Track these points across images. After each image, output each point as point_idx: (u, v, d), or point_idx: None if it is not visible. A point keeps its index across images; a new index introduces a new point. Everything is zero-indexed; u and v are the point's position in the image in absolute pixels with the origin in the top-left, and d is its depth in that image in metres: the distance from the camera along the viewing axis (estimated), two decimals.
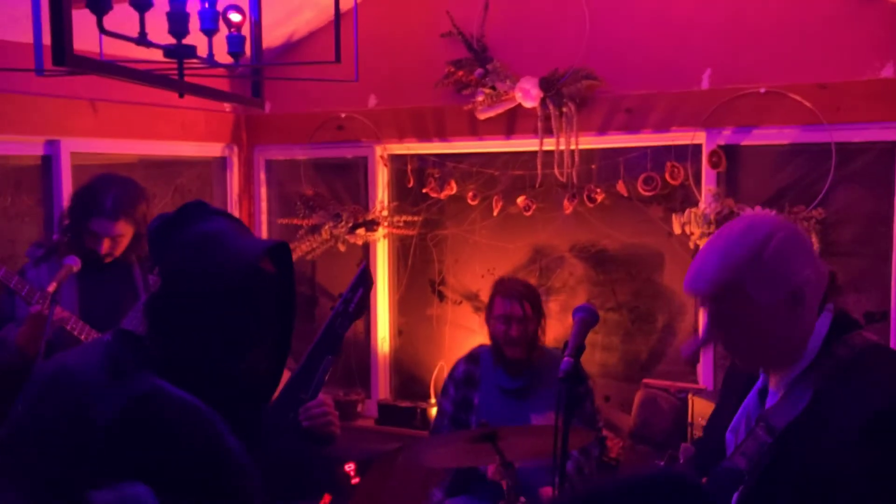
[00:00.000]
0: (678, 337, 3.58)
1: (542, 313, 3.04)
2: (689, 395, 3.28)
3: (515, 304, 2.95)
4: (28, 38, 2.58)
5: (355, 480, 2.29)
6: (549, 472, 2.56)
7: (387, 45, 3.74)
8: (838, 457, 1.41)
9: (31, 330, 2.57)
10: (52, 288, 2.48)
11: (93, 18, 1.69)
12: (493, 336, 3.00)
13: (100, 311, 2.74)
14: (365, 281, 2.01)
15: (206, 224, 1.47)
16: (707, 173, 3.29)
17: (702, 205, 3.26)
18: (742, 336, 1.56)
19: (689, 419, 3.33)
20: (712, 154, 3.24)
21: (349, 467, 2.25)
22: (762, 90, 3.14)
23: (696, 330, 3.48)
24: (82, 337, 2.66)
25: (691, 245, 3.29)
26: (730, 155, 3.27)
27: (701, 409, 3.23)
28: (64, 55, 1.54)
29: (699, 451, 1.91)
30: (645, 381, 3.46)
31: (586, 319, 1.77)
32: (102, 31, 1.65)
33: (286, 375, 2.08)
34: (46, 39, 1.57)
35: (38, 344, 2.46)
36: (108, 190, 2.73)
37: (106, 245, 2.73)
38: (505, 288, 3.01)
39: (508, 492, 2.40)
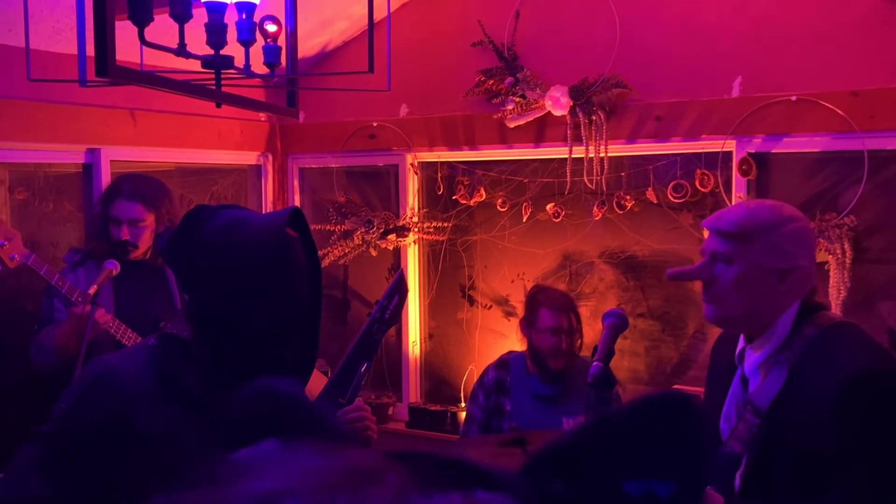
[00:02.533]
0: (708, 343, 3.57)
1: (580, 322, 3.05)
2: None
3: (563, 317, 2.95)
4: (69, 48, 2.66)
5: None
6: None
7: (418, 54, 3.80)
8: (819, 427, 1.54)
9: (70, 330, 2.63)
10: (93, 290, 2.56)
11: (133, 29, 1.76)
12: (535, 346, 2.99)
13: (135, 312, 2.81)
14: (401, 289, 2.04)
15: (219, 218, 1.49)
16: (737, 181, 3.29)
17: None
18: (728, 283, 1.71)
19: None
20: (742, 162, 3.24)
21: None
22: (793, 98, 3.13)
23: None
24: (121, 339, 2.73)
25: None
26: (760, 163, 3.26)
27: None
28: (107, 67, 1.60)
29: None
30: (675, 386, 3.46)
31: (616, 324, 1.79)
32: (144, 42, 1.71)
33: (323, 381, 2.13)
34: (89, 50, 1.64)
35: (78, 345, 2.53)
36: (126, 178, 2.89)
37: (125, 230, 2.78)
38: (551, 300, 2.99)
39: None
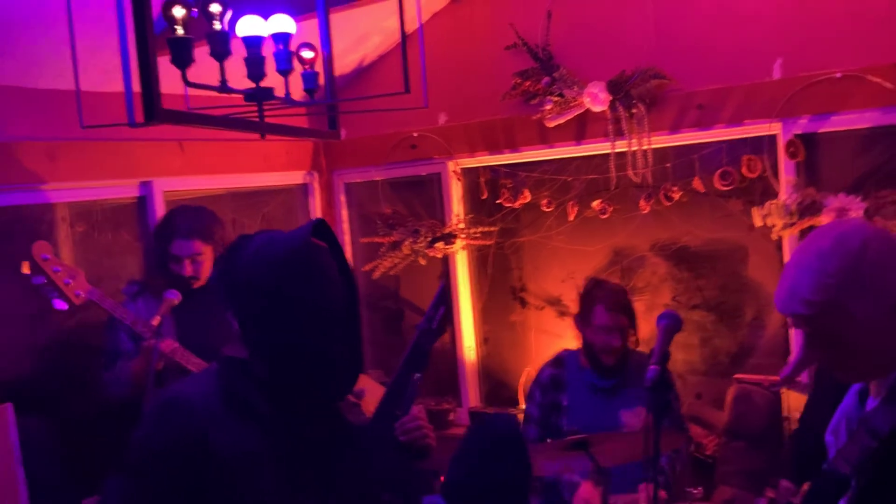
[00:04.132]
0: (767, 329, 3.52)
1: (635, 317, 3.04)
2: (783, 389, 3.23)
3: (618, 316, 2.93)
4: (118, 87, 2.74)
5: None
6: (642, 471, 2.57)
7: (453, 62, 3.82)
8: None
9: (143, 363, 2.74)
10: (156, 321, 2.64)
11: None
12: (589, 343, 2.99)
13: (197, 338, 2.89)
14: (445, 299, 2.08)
15: (251, 243, 1.60)
16: (785, 164, 3.24)
17: (782, 196, 3.21)
18: (842, 353, 1.50)
19: (785, 413, 3.28)
20: (789, 144, 3.19)
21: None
22: (838, 75, 3.06)
23: (786, 330, 3.41)
24: (187, 365, 2.81)
25: (773, 237, 3.24)
26: (808, 143, 3.20)
27: (796, 404, 3.18)
28: (154, 111, 1.66)
29: (796, 451, 1.89)
30: (736, 376, 3.42)
31: (670, 326, 1.79)
32: (187, 83, 1.77)
33: (380, 392, 2.17)
34: (135, 85, 1.70)
35: (148, 375, 2.62)
36: (180, 214, 2.96)
37: (188, 267, 2.89)
38: (606, 298, 2.96)
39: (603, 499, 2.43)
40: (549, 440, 2.95)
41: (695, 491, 2.68)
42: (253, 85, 2.01)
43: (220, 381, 1.59)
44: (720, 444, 3.34)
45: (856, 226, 1.52)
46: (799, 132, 3.20)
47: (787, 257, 3.33)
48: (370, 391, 3.24)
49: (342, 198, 4.35)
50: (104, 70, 3.08)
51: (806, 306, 1.47)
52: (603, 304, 2.95)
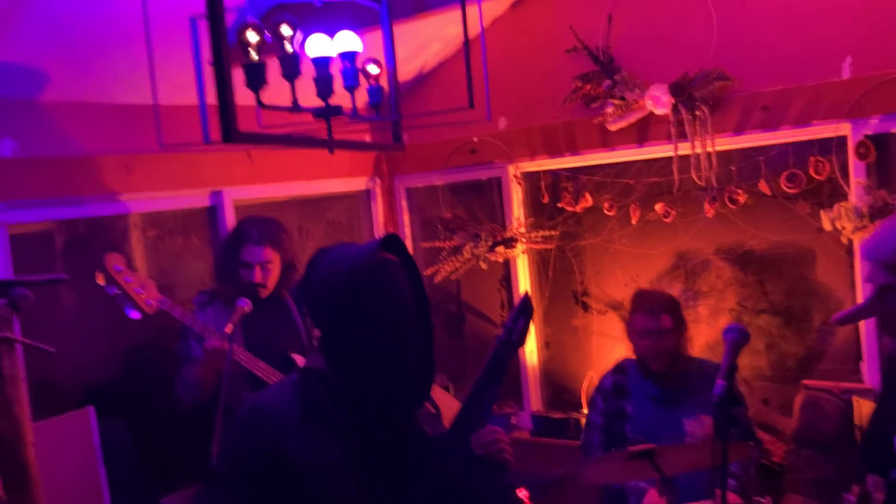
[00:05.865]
0: (836, 335, 3.44)
1: (684, 323, 3.02)
2: (854, 397, 3.16)
3: (657, 318, 2.95)
4: (188, 101, 2.83)
5: None
6: (708, 481, 2.56)
7: (513, 66, 3.84)
8: None
9: (208, 366, 2.82)
10: (229, 329, 2.72)
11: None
12: (638, 351, 3.02)
13: (264, 345, 2.97)
14: (526, 310, 2.09)
15: (327, 256, 1.65)
16: (855, 165, 3.16)
17: (852, 198, 3.14)
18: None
19: (856, 421, 3.21)
20: (859, 145, 3.11)
21: (523, 494, 2.32)
22: None
23: (857, 334, 3.34)
24: (254, 371, 2.88)
25: (843, 240, 3.18)
26: (878, 144, 3.12)
27: (868, 411, 3.11)
28: (230, 133, 1.73)
29: (868, 449, 1.85)
30: (804, 382, 3.35)
31: (737, 340, 1.78)
32: (261, 105, 1.83)
33: (450, 400, 2.20)
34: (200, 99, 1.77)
35: (217, 380, 2.71)
36: (251, 223, 3.04)
37: (258, 273, 2.96)
38: (644, 303, 3.02)
39: None
40: (613, 450, 2.95)
41: (763, 500, 2.65)
42: (321, 103, 2.07)
43: (298, 392, 1.65)
44: (788, 452, 3.29)
45: None
46: (869, 133, 3.13)
47: (857, 261, 3.25)
48: (444, 403, 3.28)
49: (403, 203, 4.41)
50: (175, 85, 3.19)
51: (892, 254, 1.56)
52: (642, 309, 2.99)
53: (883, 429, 1.71)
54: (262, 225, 3.01)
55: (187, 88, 3.12)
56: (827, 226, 3.17)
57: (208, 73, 1.80)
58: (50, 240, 3.13)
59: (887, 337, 1.64)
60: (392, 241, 1.69)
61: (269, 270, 3.00)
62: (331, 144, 2.07)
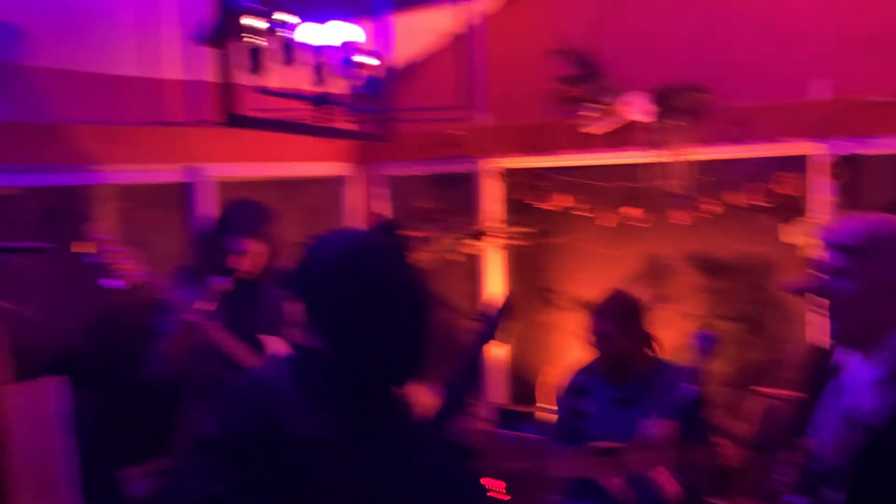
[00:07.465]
0: (794, 345, 3.56)
1: (637, 327, 3.09)
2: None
3: (604, 320, 3.00)
4: (173, 74, 2.78)
5: (506, 498, 2.38)
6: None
7: (498, 64, 3.87)
8: None
9: (184, 340, 2.82)
10: (210, 306, 2.72)
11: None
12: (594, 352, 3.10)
13: (238, 324, 2.96)
14: (509, 310, 2.14)
15: (324, 238, 1.69)
16: (824, 185, 3.27)
17: (812, 214, 3.25)
18: (842, 295, 1.68)
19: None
20: (832, 165, 3.22)
21: (499, 486, 2.35)
22: (882, 99, 3.09)
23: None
24: (226, 349, 2.88)
25: (801, 254, 3.29)
26: (850, 165, 3.23)
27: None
28: (230, 117, 1.75)
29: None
30: (760, 389, 3.47)
31: (705, 346, 1.85)
32: (265, 92, 1.86)
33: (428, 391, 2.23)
34: (188, 75, 1.78)
35: (187, 354, 2.71)
36: (243, 210, 3.02)
37: (246, 262, 2.97)
38: (597, 306, 3.06)
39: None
40: (574, 446, 3.02)
41: (715, 502, 2.73)
42: (317, 90, 2.09)
43: (295, 369, 1.68)
44: (742, 456, 3.39)
45: None
46: (841, 153, 3.23)
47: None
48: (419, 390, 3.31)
49: (382, 190, 4.43)
50: (159, 57, 3.18)
51: (847, 237, 1.69)
52: (593, 312, 3.05)
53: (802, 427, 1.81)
54: (255, 214, 2.98)
55: (169, 61, 3.12)
56: (786, 239, 3.28)
57: (195, 49, 1.81)
58: (24, 206, 3.10)
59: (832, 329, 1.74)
60: (388, 226, 1.73)
61: (257, 259, 3.00)
62: (322, 132, 2.10)
